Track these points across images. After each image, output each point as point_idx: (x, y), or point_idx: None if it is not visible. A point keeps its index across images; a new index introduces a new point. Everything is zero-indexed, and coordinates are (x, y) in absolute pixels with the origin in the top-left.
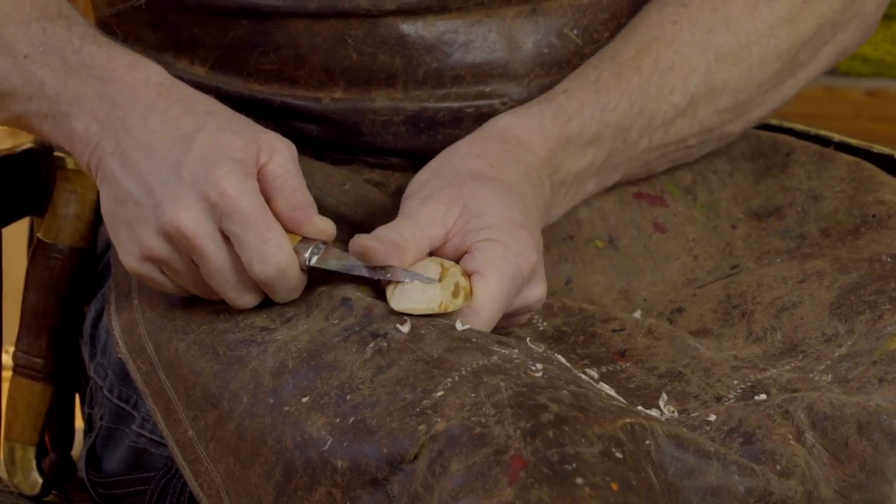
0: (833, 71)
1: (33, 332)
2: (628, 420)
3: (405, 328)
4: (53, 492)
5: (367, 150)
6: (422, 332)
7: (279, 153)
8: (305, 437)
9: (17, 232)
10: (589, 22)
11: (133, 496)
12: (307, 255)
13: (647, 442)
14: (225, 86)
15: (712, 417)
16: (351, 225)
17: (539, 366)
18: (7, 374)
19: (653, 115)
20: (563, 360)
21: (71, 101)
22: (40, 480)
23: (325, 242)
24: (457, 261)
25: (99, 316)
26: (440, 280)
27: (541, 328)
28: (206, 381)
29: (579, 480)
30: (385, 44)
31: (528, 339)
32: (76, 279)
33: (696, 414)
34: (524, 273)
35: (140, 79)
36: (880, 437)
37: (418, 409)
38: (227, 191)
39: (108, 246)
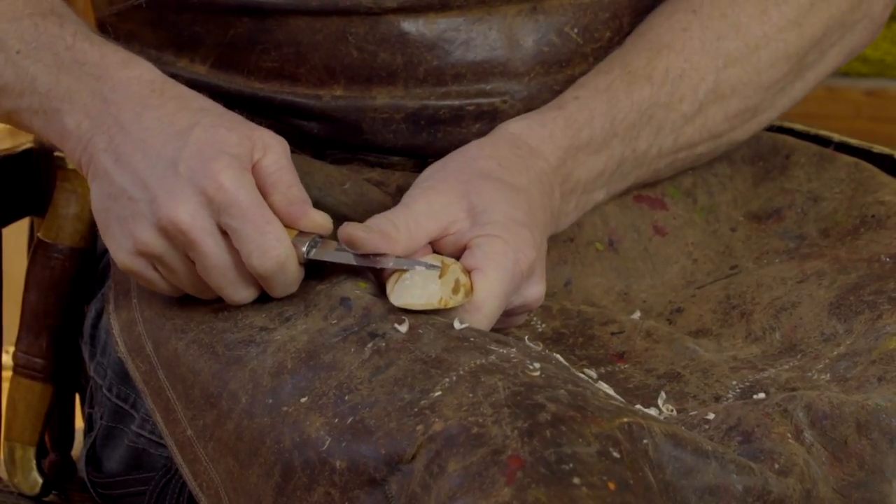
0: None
1: (33, 332)
2: (626, 419)
3: (403, 328)
4: (53, 492)
5: (368, 147)
6: (420, 331)
7: (273, 150)
8: (304, 437)
9: (17, 232)
10: (590, 21)
11: (133, 496)
12: (305, 248)
13: (645, 441)
14: (226, 84)
15: (711, 416)
16: None
17: (537, 365)
18: (7, 374)
19: (662, 124)
20: (561, 359)
21: (63, 97)
22: (40, 480)
23: (321, 236)
24: (457, 257)
25: (99, 316)
26: (440, 276)
27: (539, 330)
28: (205, 381)
29: (576, 480)
30: (386, 41)
31: (526, 338)
32: (76, 279)
33: (695, 413)
34: (523, 269)
35: (133, 76)
36: (879, 435)
37: (416, 410)
38: (224, 185)
39: None
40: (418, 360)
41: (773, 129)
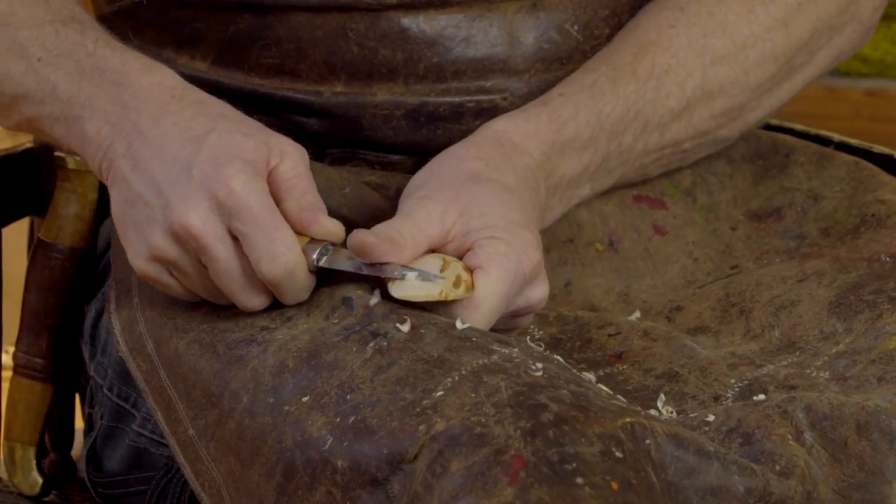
0: (833, 71)
1: (33, 332)
2: (628, 419)
3: (405, 327)
4: (53, 492)
5: (368, 144)
6: (422, 331)
7: (290, 157)
8: (306, 436)
9: (17, 232)
10: (590, 18)
11: (133, 496)
12: (315, 255)
13: (647, 441)
14: (226, 80)
15: (711, 418)
16: (351, 228)
17: (539, 365)
18: (7, 374)
19: (648, 120)
20: (562, 360)
21: (84, 104)
22: (40, 480)
23: (333, 244)
24: (459, 259)
25: (99, 315)
26: (441, 271)
27: (537, 336)
28: (207, 380)
29: (579, 480)
30: (386, 38)
31: (527, 338)
32: (76, 279)
33: (695, 414)
34: (526, 271)
35: (154, 82)
36: (879, 437)
37: (418, 409)
38: (235, 190)
39: (108, 246)
40: (420, 360)
41: (772, 128)
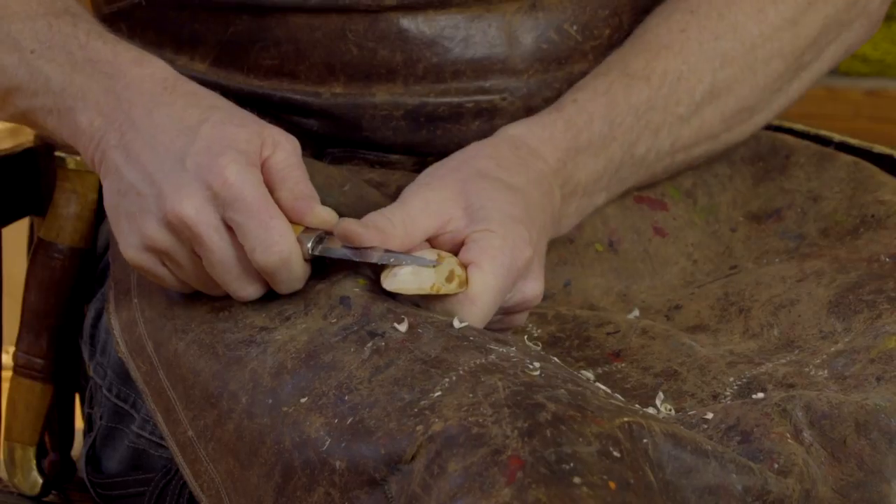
0: (833, 71)
1: (33, 332)
2: (626, 419)
3: (403, 327)
4: (53, 492)
5: (367, 144)
6: (419, 331)
7: (282, 147)
8: (304, 437)
9: (17, 232)
10: (589, 18)
11: (133, 497)
12: (310, 244)
13: (645, 441)
14: (225, 81)
15: (709, 416)
16: None
17: (536, 364)
18: (7, 374)
19: (659, 127)
20: (558, 361)
21: (76, 95)
22: (40, 480)
23: (328, 232)
24: (455, 253)
25: (99, 316)
26: (435, 266)
27: (535, 335)
28: (206, 381)
29: (577, 480)
30: (385, 39)
31: (525, 337)
32: (76, 279)
33: (694, 412)
34: (519, 265)
35: (145, 74)
36: (878, 436)
37: (416, 410)
38: (229, 179)
39: (108, 246)
40: (418, 360)
41: (772, 128)
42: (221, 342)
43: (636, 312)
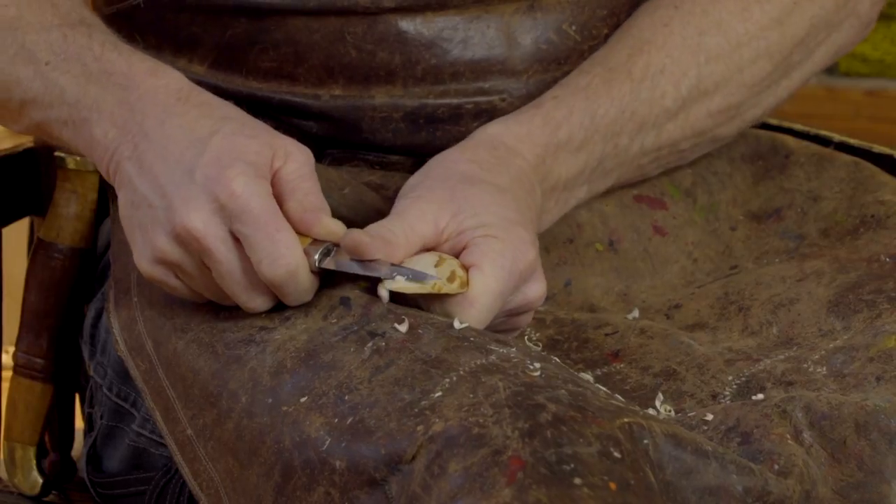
0: (833, 71)
1: (33, 332)
2: (626, 419)
3: (403, 327)
4: (53, 492)
5: (367, 146)
6: (420, 331)
7: (294, 158)
8: (304, 437)
9: (17, 232)
10: (587, 18)
11: (133, 496)
12: (317, 256)
13: (646, 441)
14: (224, 84)
15: (709, 417)
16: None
17: (537, 365)
18: (7, 374)
19: (643, 120)
20: (559, 361)
21: (91, 107)
22: (40, 480)
23: (335, 244)
24: (456, 257)
25: (99, 315)
26: (436, 266)
27: (534, 338)
28: (205, 380)
29: (577, 480)
30: (384, 41)
31: (525, 339)
32: (76, 279)
33: (693, 413)
34: (521, 268)
35: (160, 85)
36: (878, 436)
37: (416, 410)
38: (236, 192)
39: (108, 246)
40: (418, 360)
41: (772, 128)
42: (221, 341)
43: (635, 313)
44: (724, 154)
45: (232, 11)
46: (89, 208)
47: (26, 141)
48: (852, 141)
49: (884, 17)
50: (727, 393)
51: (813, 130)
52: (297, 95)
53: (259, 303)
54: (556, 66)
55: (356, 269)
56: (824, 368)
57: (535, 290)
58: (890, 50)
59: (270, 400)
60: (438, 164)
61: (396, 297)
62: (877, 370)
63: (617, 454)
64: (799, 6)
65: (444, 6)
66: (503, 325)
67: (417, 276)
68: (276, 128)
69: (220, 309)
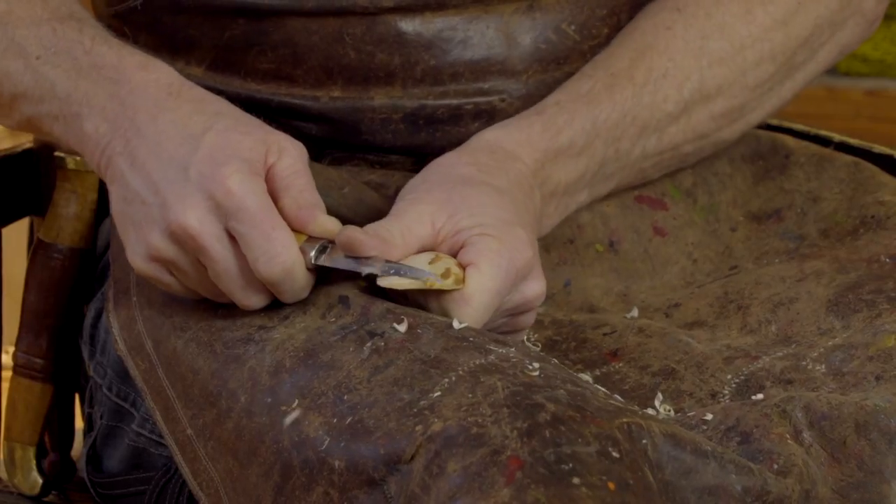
0: (833, 71)
1: (33, 332)
2: (625, 419)
3: (402, 327)
4: (53, 492)
5: (367, 148)
6: (419, 331)
7: (288, 153)
8: (303, 436)
9: (17, 232)
10: (587, 18)
11: (133, 496)
12: (313, 253)
13: (644, 441)
14: (222, 86)
15: (709, 416)
16: None
17: (536, 365)
18: (7, 374)
19: (645, 124)
20: (557, 362)
21: (81, 101)
22: (40, 480)
23: (331, 241)
24: (453, 257)
25: (99, 315)
26: (431, 263)
27: (532, 339)
28: (204, 380)
29: (576, 480)
30: (383, 42)
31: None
32: (76, 279)
33: (693, 413)
34: (518, 266)
35: (150, 79)
36: (878, 436)
37: (415, 410)
38: (232, 189)
39: (108, 246)
40: (417, 360)
41: (772, 128)
42: (220, 340)
43: (634, 312)
44: (724, 154)
45: (230, 13)
46: (89, 208)
47: (26, 141)
48: (852, 141)
49: (884, 17)
50: (726, 392)
51: (813, 130)
52: (295, 97)
53: (255, 300)
54: (556, 65)
55: (351, 266)
56: (823, 366)
57: (534, 288)
58: (890, 50)
59: (269, 399)
60: (437, 168)
61: (396, 296)
62: (876, 369)
63: (615, 454)
64: (803, 7)
65: (443, 6)
66: (505, 326)
67: (411, 273)
68: (277, 129)
69: (219, 307)
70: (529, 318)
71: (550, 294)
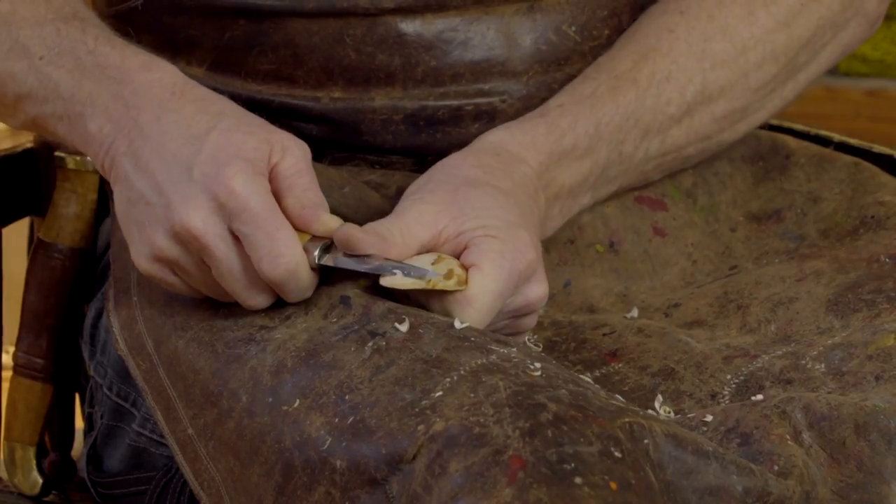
0: (833, 71)
1: (33, 332)
2: (627, 419)
3: (404, 327)
4: (53, 492)
5: (367, 149)
6: (420, 331)
7: (291, 153)
8: (304, 436)
9: (17, 232)
10: (587, 19)
11: (133, 496)
12: (316, 253)
13: (646, 441)
14: (223, 86)
15: (709, 418)
16: None
17: (538, 364)
18: (7, 374)
19: (648, 127)
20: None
21: (85, 101)
22: (40, 480)
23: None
24: (457, 258)
25: (99, 315)
26: (433, 264)
27: (531, 340)
28: (206, 380)
29: (578, 480)
30: (384, 43)
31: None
32: (76, 279)
33: (693, 415)
34: (521, 269)
35: (154, 78)
36: (878, 437)
37: (417, 410)
38: (235, 190)
39: (108, 246)
40: (419, 360)
41: (772, 128)
42: (221, 340)
43: (634, 312)
44: (724, 155)
45: (230, 13)
46: (89, 208)
47: (26, 141)
48: (852, 141)
49: (885, 17)
50: (726, 392)
51: (813, 130)
52: (296, 98)
53: (259, 300)
54: (557, 67)
55: (354, 265)
56: (822, 365)
57: (536, 290)
58: (890, 50)
59: (271, 399)
60: (442, 169)
61: (398, 296)
62: (876, 369)
63: (618, 454)
64: (805, 8)
65: (443, 7)
66: (507, 328)
67: (414, 272)
68: None
69: (220, 307)
70: (532, 320)
71: (550, 294)
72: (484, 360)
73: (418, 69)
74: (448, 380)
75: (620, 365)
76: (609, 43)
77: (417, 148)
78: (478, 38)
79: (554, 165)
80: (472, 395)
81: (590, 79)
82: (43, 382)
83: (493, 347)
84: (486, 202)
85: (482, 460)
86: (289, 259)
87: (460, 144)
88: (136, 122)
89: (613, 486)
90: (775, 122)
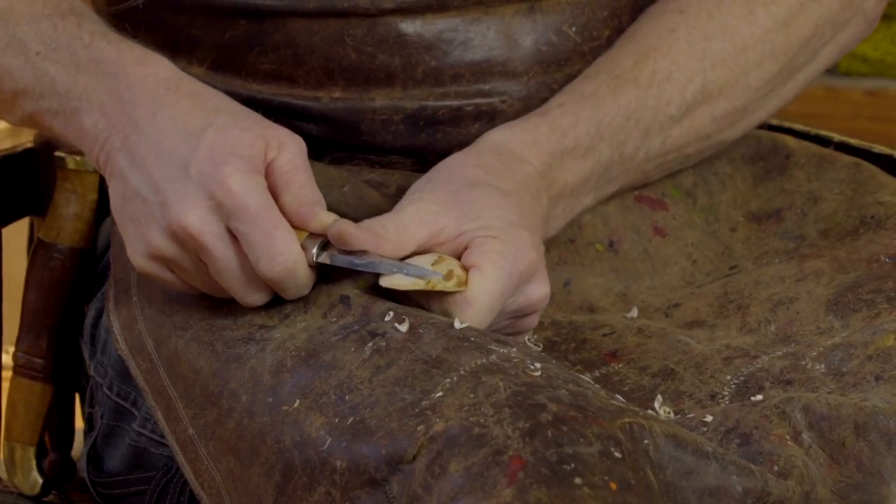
0: (833, 71)
1: (33, 332)
2: (627, 419)
3: (404, 327)
4: (53, 492)
5: (367, 149)
6: (420, 331)
7: (287, 149)
8: (304, 436)
9: (17, 232)
10: (588, 19)
11: (133, 496)
12: (314, 250)
13: (646, 441)
14: (223, 86)
15: (709, 418)
16: None
17: (538, 365)
18: (7, 374)
19: (649, 127)
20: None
21: (80, 96)
22: (40, 480)
23: None
24: (458, 259)
25: (99, 315)
26: (433, 264)
27: (531, 341)
28: (206, 380)
29: (578, 480)
30: (384, 43)
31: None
32: (76, 279)
33: (693, 415)
34: (521, 269)
35: (148, 74)
36: (877, 437)
37: (417, 410)
38: (233, 189)
39: (108, 246)
40: (419, 360)
41: (772, 128)
42: (221, 340)
43: (634, 312)
44: (724, 155)
45: (231, 13)
46: (89, 208)
47: (26, 141)
48: (852, 141)
49: (884, 17)
50: (726, 393)
51: (813, 130)
52: (296, 98)
53: (257, 298)
54: (557, 67)
55: (353, 263)
56: (822, 366)
57: (537, 291)
58: (890, 50)
59: (271, 399)
60: (443, 169)
61: (398, 296)
62: (875, 369)
63: (618, 454)
64: (805, 7)
65: (444, 8)
66: (508, 328)
67: (414, 273)
68: None
69: (220, 307)
70: (533, 321)
71: (550, 294)
72: (484, 361)
73: (418, 69)
74: (448, 380)
75: (620, 365)
76: (609, 44)
77: (417, 148)
78: (478, 38)
79: (556, 165)
80: (472, 395)
81: (590, 78)
82: (43, 382)
83: (493, 347)
84: (486, 202)
85: (482, 461)
86: (287, 257)
87: (460, 145)
88: (131, 118)
89: (613, 486)
90: (775, 122)
